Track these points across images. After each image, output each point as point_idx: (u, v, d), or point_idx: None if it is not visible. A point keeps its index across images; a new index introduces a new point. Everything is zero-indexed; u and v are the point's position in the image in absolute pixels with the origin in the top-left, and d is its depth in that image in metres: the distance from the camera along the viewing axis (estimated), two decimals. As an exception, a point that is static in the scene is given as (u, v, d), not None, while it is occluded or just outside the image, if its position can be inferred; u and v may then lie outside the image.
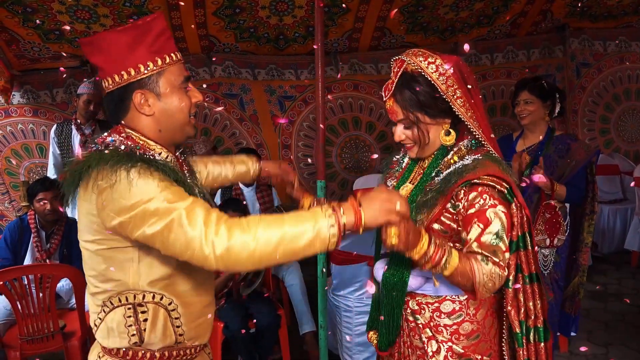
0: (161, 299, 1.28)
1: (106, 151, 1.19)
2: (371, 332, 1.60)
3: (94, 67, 1.28)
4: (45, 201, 2.98)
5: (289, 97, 4.89)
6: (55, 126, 3.77)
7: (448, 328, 1.40)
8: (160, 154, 1.26)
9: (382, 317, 1.49)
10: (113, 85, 1.23)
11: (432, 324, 1.41)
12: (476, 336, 1.40)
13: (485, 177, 1.31)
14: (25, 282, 2.53)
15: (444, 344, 1.40)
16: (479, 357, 1.41)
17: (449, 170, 1.37)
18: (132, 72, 1.22)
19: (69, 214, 3.56)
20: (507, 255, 1.30)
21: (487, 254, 1.28)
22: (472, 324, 1.40)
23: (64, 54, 4.28)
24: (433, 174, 1.41)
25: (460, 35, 4.73)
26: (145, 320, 1.27)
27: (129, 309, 1.26)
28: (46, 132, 4.40)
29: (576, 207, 2.56)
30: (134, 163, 1.15)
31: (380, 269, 1.49)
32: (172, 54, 1.26)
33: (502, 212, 1.30)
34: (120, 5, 3.74)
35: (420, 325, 1.43)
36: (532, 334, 1.37)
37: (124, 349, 1.29)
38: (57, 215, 3.05)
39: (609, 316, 3.57)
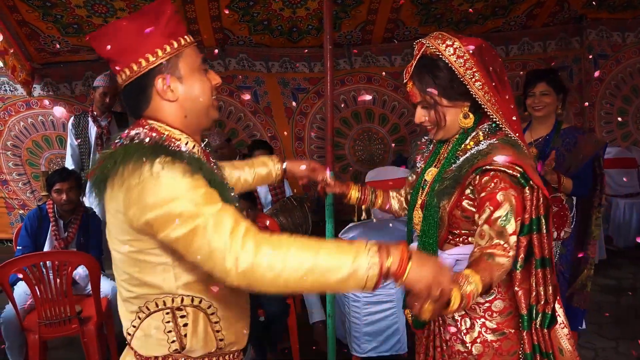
0: (200, 302, 1.21)
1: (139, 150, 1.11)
2: (407, 310, 1.61)
3: (107, 61, 1.21)
4: (62, 191, 3.07)
5: (302, 90, 4.92)
6: (72, 118, 3.87)
7: (481, 306, 1.43)
8: (186, 143, 1.19)
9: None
10: (131, 75, 1.17)
11: None
12: (509, 312, 1.44)
13: (496, 162, 1.32)
14: (44, 269, 2.63)
15: (477, 320, 1.43)
16: (512, 330, 1.44)
17: (465, 157, 1.40)
18: (150, 58, 1.15)
19: (87, 204, 3.67)
20: (513, 238, 1.30)
21: (495, 238, 1.30)
22: (503, 301, 1.44)
23: (83, 47, 4.38)
24: (452, 159, 1.45)
25: (474, 27, 4.70)
26: (186, 325, 1.20)
27: (167, 313, 1.19)
28: (65, 124, 4.51)
29: (584, 200, 2.55)
30: (159, 156, 1.07)
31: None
32: (185, 37, 1.21)
33: (513, 195, 1.30)
34: (135, -2, 3.81)
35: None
36: (539, 319, 1.39)
37: (161, 357, 1.21)
38: (74, 205, 3.13)
39: (621, 310, 3.54)
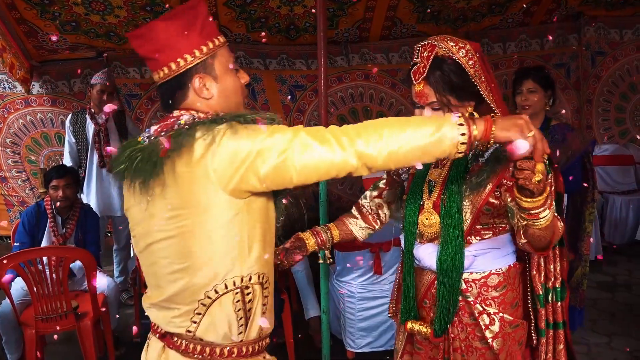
0: (262, 277, 1.21)
1: (197, 125, 1.13)
2: (410, 322, 1.59)
3: (144, 59, 1.27)
4: (58, 188, 3.09)
5: (299, 87, 4.94)
6: (70, 115, 3.89)
7: (496, 300, 1.50)
8: None
9: (424, 301, 1.58)
10: (169, 74, 1.22)
11: (479, 299, 1.50)
12: (516, 303, 1.53)
13: None
14: (40, 265, 2.65)
15: (496, 315, 1.49)
16: (521, 321, 1.52)
17: (492, 149, 1.43)
18: (189, 58, 1.21)
19: (84, 200, 3.70)
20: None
21: None
22: (513, 292, 1.52)
23: (81, 45, 4.40)
24: (469, 156, 1.48)
25: (472, 24, 4.70)
26: (249, 309, 1.20)
27: (237, 293, 1.18)
28: (64, 121, 4.54)
29: (575, 196, 2.56)
30: (225, 122, 1.12)
31: (430, 254, 1.53)
32: (219, 37, 1.26)
33: None
34: (133, -4, 3.82)
35: (471, 302, 1.51)
36: (550, 294, 1.50)
37: (229, 344, 1.20)
38: (70, 202, 3.16)
39: (616, 306, 3.56)
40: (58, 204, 3.12)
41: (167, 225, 1.15)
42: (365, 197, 1.77)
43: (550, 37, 4.67)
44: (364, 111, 5.09)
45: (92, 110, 3.79)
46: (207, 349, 1.20)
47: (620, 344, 3.05)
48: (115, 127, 3.82)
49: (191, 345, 1.20)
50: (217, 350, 1.20)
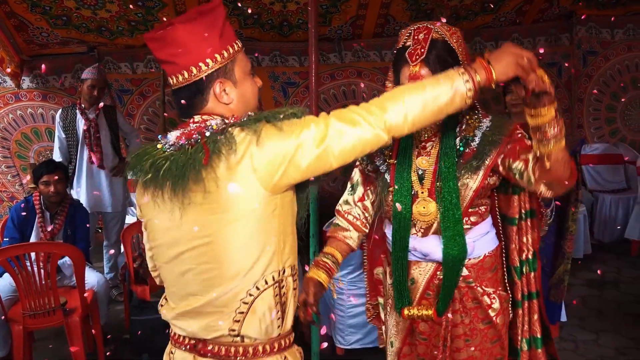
0: (293, 270, 1.23)
1: (230, 128, 1.14)
2: (407, 310, 1.59)
3: (160, 63, 1.24)
4: (50, 183, 3.07)
5: (292, 84, 4.93)
6: (60, 111, 3.86)
7: (491, 280, 1.57)
8: None
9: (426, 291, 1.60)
10: (189, 78, 1.20)
11: (478, 282, 1.56)
12: (503, 280, 1.61)
13: (518, 130, 1.50)
14: (28, 261, 2.64)
15: (495, 294, 1.56)
16: (510, 296, 1.61)
17: (482, 132, 1.50)
18: (210, 63, 1.19)
19: (74, 196, 3.68)
20: None
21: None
22: (501, 270, 1.60)
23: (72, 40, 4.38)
24: (457, 140, 1.51)
25: (464, 23, 4.71)
26: (284, 302, 1.21)
27: (275, 287, 1.18)
28: (54, 117, 4.51)
29: (562, 196, 2.57)
30: (264, 119, 1.15)
31: (436, 246, 1.53)
32: (237, 41, 1.25)
33: None
34: (124, -9, 3.80)
35: (474, 287, 1.55)
36: (525, 266, 1.57)
37: (268, 342, 1.21)
38: (61, 197, 3.14)
39: (604, 304, 3.59)
40: (51, 199, 3.10)
41: (208, 230, 1.14)
42: (347, 203, 1.70)
43: (542, 50, 4.68)
44: (356, 108, 5.09)
45: (83, 105, 3.76)
46: (250, 349, 1.20)
47: (608, 341, 3.08)
48: (105, 122, 3.80)
49: (232, 349, 1.19)
50: (260, 348, 1.20)
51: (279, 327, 1.21)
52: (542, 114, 1.28)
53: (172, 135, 1.20)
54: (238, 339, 1.19)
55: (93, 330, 2.96)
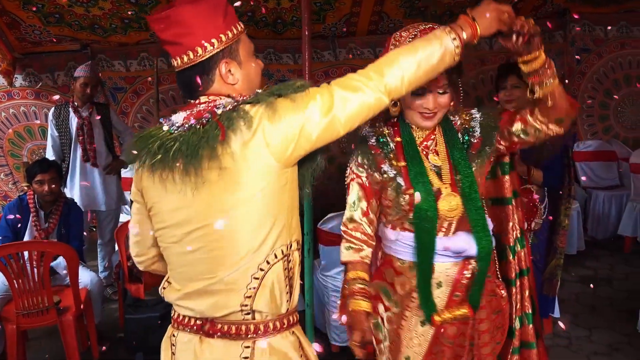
0: (298, 244, 1.25)
1: (241, 105, 1.16)
2: (437, 316, 1.52)
3: (164, 43, 1.23)
4: (44, 182, 3.06)
5: (286, 81, 4.93)
6: (53, 109, 3.84)
7: (493, 270, 1.62)
8: None
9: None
10: (195, 58, 1.20)
11: (490, 272, 1.59)
12: (495, 267, 1.64)
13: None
14: (21, 260, 2.63)
15: (500, 281, 1.63)
16: None
17: (478, 121, 1.56)
18: (216, 43, 1.19)
19: (68, 195, 3.67)
20: None
21: None
22: (493, 257, 1.62)
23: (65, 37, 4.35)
24: (459, 134, 1.56)
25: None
26: (292, 277, 1.23)
27: (284, 261, 1.21)
28: (48, 115, 4.49)
29: (554, 191, 2.59)
30: (272, 95, 1.16)
31: (468, 241, 1.49)
32: (239, 23, 1.26)
33: None
34: (117, -12, 3.78)
35: (490, 279, 1.59)
36: (517, 244, 1.62)
37: (277, 319, 1.22)
38: (55, 196, 3.13)
39: (597, 300, 3.60)
40: (45, 198, 3.09)
41: (223, 207, 1.15)
42: (353, 221, 1.57)
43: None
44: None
45: (76, 103, 3.75)
46: (261, 326, 1.20)
47: (601, 337, 3.10)
48: (99, 120, 3.78)
49: (243, 327, 1.20)
50: (271, 325, 1.21)
51: (287, 301, 1.23)
52: (536, 56, 1.35)
53: (179, 117, 1.20)
54: (249, 316, 1.19)
55: (87, 329, 2.96)
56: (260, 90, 1.21)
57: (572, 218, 3.91)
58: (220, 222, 1.15)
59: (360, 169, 1.57)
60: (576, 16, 4.66)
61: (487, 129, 1.54)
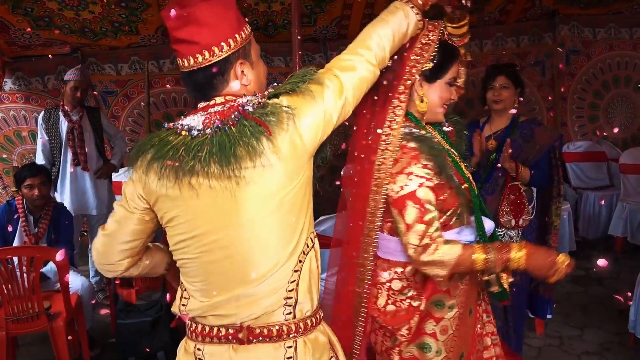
0: (314, 233, 1.26)
1: (269, 100, 1.16)
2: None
3: (177, 41, 1.19)
4: (34, 186, 3.03)
5: (278, 84, 4.92)
6: (43, 113, 3.81)
7: None
8: None
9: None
10: (211, 58, 1.17)
11: None
12: None
13: None
14: (10, 265, 2.60)
15: None
16: None
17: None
18: (232, 43, 1.17)
19: (58, 199, 3.64)
20: None
21: None
22: None
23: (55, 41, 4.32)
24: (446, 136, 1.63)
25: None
26: (318, 266, 1.24)
27: (312, 250, 1.22)
28: (37, 119, 4.46)
29: (543, 191, 2.61)
30: (292, 89, 1.19)
31: (489, 221, 1.57)
32: (247, 24, 1.25)
33: None
34: (107, -8, 3.77)
35: None
36: None
37: (315, 315, 1.23)
38: (45, 200, 3.11)
39: (588, 300, 3.63)
40: (35, 202, 3.06)
41: (269, 202, 1.14)
42: (437, 230, 1.44)
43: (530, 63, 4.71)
44: (342, 108, 5.09)
45: (66, 107, 3.72)
46: (302, 324, 1.19)
47: (592, 336, 3.12)
48: (89, 124, 3.76)
49: (285, 328, 1.18)
50: (309, 322, 1.21)
51: (317, 293, 1.23)
52: (464, 24, 1.55)
53: (194, 121, 1.16)
54: (290, 315, 1.18)
55: (78, 335, 2.93)
56: (277, 84, 1.22)
57: (563, 218, 3.93)
58: (265, 220, 1.14)
59: (428, 172, 1.44)
60: (568, 12, 4.68)
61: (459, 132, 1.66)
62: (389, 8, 1.40)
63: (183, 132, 1.14)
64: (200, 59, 1.17)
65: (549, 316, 3.08)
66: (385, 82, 1.48)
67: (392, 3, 1.41)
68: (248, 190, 1.12)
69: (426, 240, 1.39)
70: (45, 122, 3.73)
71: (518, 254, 1.39)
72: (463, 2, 1.52)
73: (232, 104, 1.17)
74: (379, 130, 1.47)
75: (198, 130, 1.13)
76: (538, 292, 2.78)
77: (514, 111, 2.49)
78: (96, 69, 4.70)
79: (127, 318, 2.95)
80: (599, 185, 4.90)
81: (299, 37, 2.70)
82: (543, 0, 4.64)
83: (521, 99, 2.55)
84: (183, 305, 1.25)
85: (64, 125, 3.70)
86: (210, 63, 1.17)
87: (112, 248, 1.29)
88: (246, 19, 1.25)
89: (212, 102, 1.20)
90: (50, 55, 4.35)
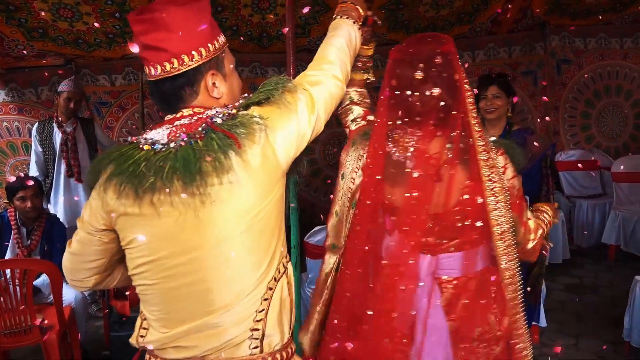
0: (287, 258, 1.18)
1: (239, 112, 1.10)
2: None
3: (146, 48, 1.10)
4: (26, 198, 3.02)
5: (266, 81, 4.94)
6: (36, 124, 3.81)
7: None
8: None
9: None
10: (179, 67, 1.08)
11: None
12: None
13: None
14: (2, 278, 2.58)
15: None
16: None
17: None
18: (204, 52, 1.09)
19: (51, 210, 3.62)
20: None
21: None
22: None
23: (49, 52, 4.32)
24: None
25: (441, 33, 4.78)
26: (290, 293, 1.16)
27: (284, 276, 1.14)
28: (31, 130, 4.44)
29: (536, 200, 2.62)
30: (265, 100, 1.15)
31: None
32: (222, 34, 1.17)
33: None
34: (102, 3, 3.77)
35: None
36: None
37: (285, 349, 1.13)
38: (38, 212, 3.09)
39: (582, 308, 3.64)
40: (28, 214, 3.04)
41: (238, 223, 1.05)
42: None
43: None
44: (336, 119, 5.10)
45: (60, 118, 3.72)
46: (269, 358, 1.10)
47: (587, 345, 3.12)
48: (83, 135, 3.76)
49: None
50: (278, 357, 1.11)
51: (289, 325, 1.15)
52: (371, 47, 1.66)
53: (158, 134, 1.08)
54: (257, 350, 1.08)
55: (72, 348, 2.90)
56: (247, 95, 1.15)
57: (557, 227, 3.95)
58: (234, 242, 1.04)
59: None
60: (559, 23, 4.73)
61: None
62: (332, 25, 1.43)
63: (146, 147, 1.06)
64: (168, 67, 1.09)
65: (543, 325, 3.10)
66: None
67: (332, 22, 1.45)
68: (214, 210, 1.03)
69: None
70: (39, 134, 3.73)
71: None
72: (377, 21, 1.60)
73: (200, 116, 1.09)
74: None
75: (162, 144, 1.06)
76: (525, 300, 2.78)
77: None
78: (90, 80, 4.70)
79: (121, 330, 2.93)
80: (592, 194, 4.94)
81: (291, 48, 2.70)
82: (534, 11, 4.70)
83: (509, 110, 2.57)
84: (142, 336, 1.14)
85: (57, 136, 3.70)
86: (178, 72, 1.09)
87: (79, 266, 1.23)
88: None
89: (179, 115, 1.12)
90: (45, 73, 4.34)
